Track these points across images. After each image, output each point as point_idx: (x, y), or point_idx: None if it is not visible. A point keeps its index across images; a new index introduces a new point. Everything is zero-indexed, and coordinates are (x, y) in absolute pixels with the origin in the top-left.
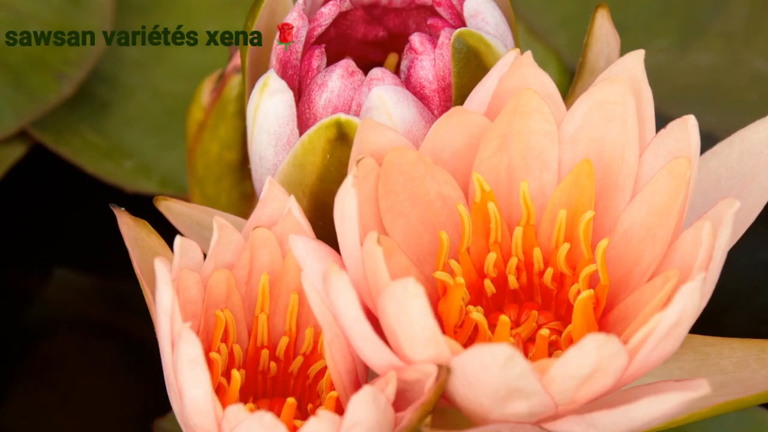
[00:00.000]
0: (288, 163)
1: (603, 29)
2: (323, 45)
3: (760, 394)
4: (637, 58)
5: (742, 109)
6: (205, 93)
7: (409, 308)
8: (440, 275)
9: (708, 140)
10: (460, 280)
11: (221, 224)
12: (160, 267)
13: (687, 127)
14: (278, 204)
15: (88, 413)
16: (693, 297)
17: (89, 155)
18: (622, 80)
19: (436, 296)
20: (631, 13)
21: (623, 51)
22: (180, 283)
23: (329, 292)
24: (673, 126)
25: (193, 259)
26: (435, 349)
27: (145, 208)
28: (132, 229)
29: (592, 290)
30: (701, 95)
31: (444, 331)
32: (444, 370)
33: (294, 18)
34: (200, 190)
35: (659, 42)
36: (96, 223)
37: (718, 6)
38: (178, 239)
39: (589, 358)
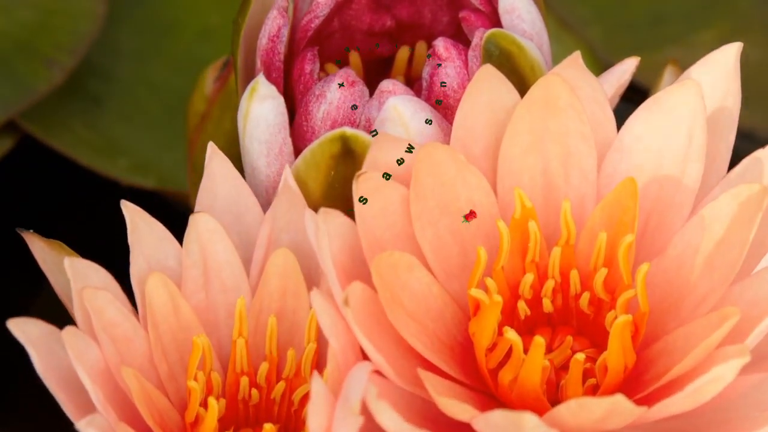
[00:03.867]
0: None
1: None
2: (316, 47)
3: None
4: (729, 54)
5: None
6: (208, 82)
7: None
8: (476, 293)
9: (751, 139)
10: (498, 297)
11: (130, 208)
12: (17, 329)
13: None
14: (229, 185)
15: None
16: None
17: (81, 152)
18: (695, 86)
19: (465, 316)
20: (670, 3)
21: (663, 42)
22: (89, 308)
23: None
24: None
25: (96, 280)
26: None
27: (145, 204)
28: (48, 254)
29: (630, 315)
30: (746, 92)
31: (475, 353)
32: None
33: (274, 17)
34: None
35: (701, 35)
36: (91, 221)
37: None
38: (66, 260)
39: None
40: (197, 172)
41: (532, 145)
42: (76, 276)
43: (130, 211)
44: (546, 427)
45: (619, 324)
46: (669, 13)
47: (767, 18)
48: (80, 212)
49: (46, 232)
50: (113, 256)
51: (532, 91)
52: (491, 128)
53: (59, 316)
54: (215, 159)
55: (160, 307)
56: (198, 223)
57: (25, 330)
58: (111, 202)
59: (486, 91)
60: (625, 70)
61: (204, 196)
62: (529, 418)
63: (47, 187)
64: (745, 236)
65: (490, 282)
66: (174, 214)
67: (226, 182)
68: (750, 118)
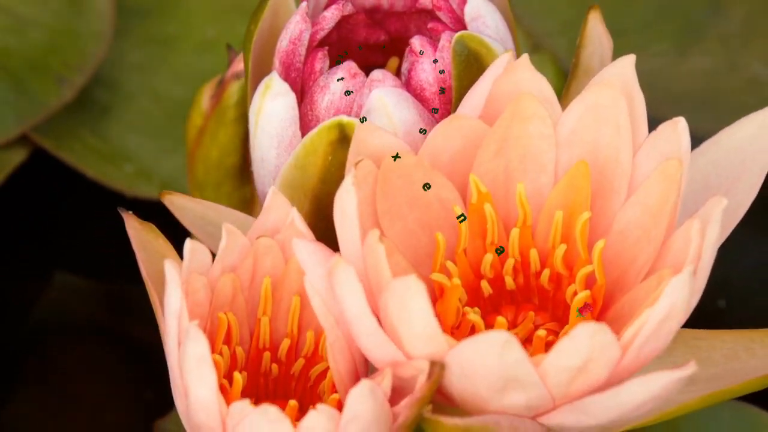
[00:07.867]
0: (290, 165)
1: (596, 30)
2: (326, 47)
3: (747, 383)
4: (627, 62)
5: (740, 113)
6: (204, 98)
7: (411, 306)
8: (437, 277)
9: None
10: (457, 281)
11: (230, 230)
12: (171, 270)
13: (677, 129)
14: (281, 212)
15: (91, 418)
16: (682, 290)
17: (90, 159)
18: (614, 84)
19: (434, 298)
20: (628, 16)
21: (621, 54)
22: (189, 287)
23: (335, 287)
24: (664, 128)
25: (202, 261)
26: (436, 346)
27: (145, 212)
28: (139, 232)
29: (588, 291)
30: (699, 99)
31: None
32: (437, 367)
33: (297, 21)
34: (200, 195)
35: (657, 46)
36: (97, 228)
37: (716, 9)
38: (188, 242)
39: (582, 348)
40: (196, 181)
41: (497, 151)
42: (192, 257)
43: (228, 229)
44: (516, 343)
45: (578, 300)
46: (628, 25)
47: (717, 29)
48: (89, 221)
49: (55, 239)
50: (119, 263)
51: (506, 109)
52: (461, 140)
53: (61, 315)
54: (274, 195)
55: (221, 299)
56: (258, 244)
57: (174, 274)
58: (118, 213)
59: (454, 120)
60: (499, 65)
61: (261, 217)
62: (500, 335)
63: (58, 198)
64: (670, 205)
65: (450, 266)
66: (176, 220)
67: (278, 210)
68: (704, 123)
